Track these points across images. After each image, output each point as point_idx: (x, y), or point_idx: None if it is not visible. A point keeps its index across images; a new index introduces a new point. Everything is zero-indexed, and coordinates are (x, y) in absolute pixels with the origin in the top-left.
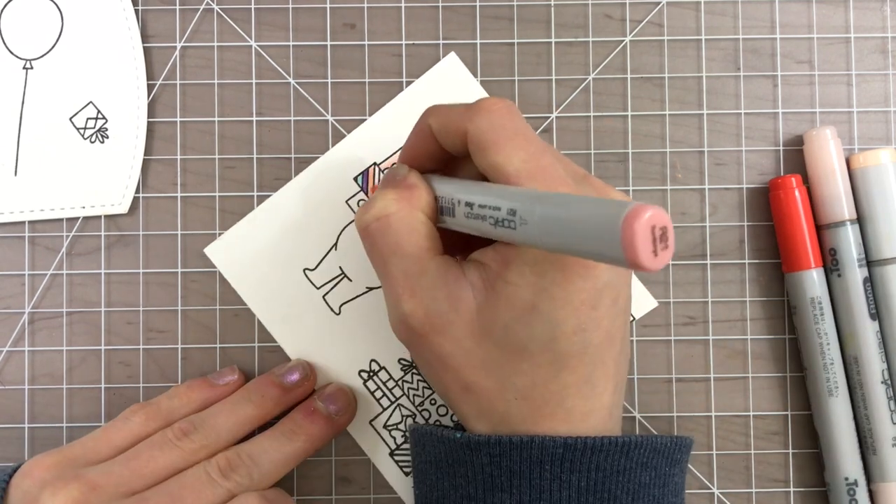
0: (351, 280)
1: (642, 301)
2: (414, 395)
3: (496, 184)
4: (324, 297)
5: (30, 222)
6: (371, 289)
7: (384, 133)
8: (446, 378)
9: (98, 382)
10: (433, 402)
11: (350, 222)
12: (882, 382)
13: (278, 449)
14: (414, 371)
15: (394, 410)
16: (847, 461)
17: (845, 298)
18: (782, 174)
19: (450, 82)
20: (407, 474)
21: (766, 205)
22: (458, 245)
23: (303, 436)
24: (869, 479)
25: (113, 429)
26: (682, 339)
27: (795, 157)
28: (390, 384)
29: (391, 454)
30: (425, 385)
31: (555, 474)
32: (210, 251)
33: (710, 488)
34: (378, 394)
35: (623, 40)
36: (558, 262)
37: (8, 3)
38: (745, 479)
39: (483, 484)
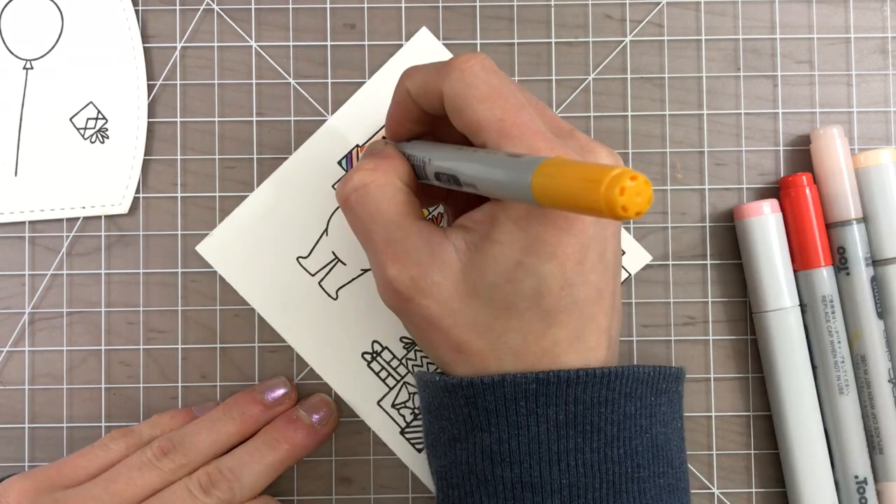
0: (345, 264)
1: (637, 256)
2: (419, 371)
3: (479, 149)
4: (319, 283)
5: (30, 222)
6: (366, 270)
7: (363, 115)
8: (436, 340)
9: (98, 382)
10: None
11: (339, 207)
12: (889, 381)
13: (260, 460)
14: (417, 348)
15: (400, 389)
16: (857, 459)
17: (854, 297)
18: (782, 174)
19: (424, 58)
20: (419, 451)
21: None
22: (439, 198)
23: (285, 444)
24: (874, 478)
25: (90, 455)
26: (682, 339)
27: (795, 156)
28: (394, 363)
29: (402, 432)
30: (429, 361)
31: (531, 409)
32: (202, 249)
33: (710, 488)
34: (383, 374)
35: (623, 40)
36: (543, 218)
37: (8, 3)
38: (745, 479)
39: (464, 424)
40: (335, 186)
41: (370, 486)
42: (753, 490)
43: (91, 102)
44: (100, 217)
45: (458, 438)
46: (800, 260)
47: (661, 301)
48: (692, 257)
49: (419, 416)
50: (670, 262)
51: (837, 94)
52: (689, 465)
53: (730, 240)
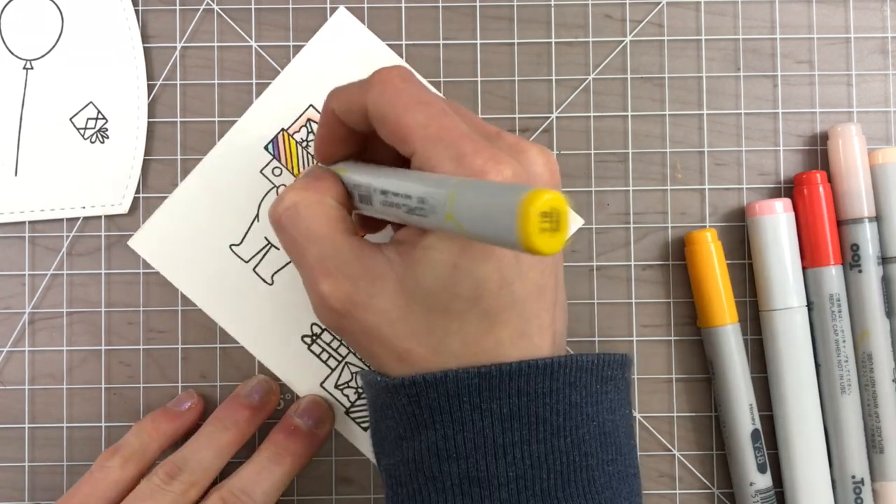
0: (278, 249)
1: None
2: None
3: (408, 170)
4: (254, 269)
5: (30, 222)
6: None
7: (286, 99)
8: (378, 351)
9: (98, 382)
10: None
11: (269, 191)
12: (893, 380)
13: (268, 477)
14: None
15: (342, 369)
16: (855, 459)
17: (864, 295)
18: (782, 175)
19: (345, 39)
20: (365, 429)
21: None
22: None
23: (288, 457)
24: (872, 477)
25: (92, 481)
26: (682, 338)
27: (796, 156)
28: (334, 344)
29: (347, 412)
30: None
31: (474, 404)
32: (134, 243)
33: (710, 488)
34: (324, 356)
35: (623, 40)
36: None
37: (8, 3)
38: None
39: (409, 423)
40: (265, 172)
41: (370, 486)
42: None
43: (91, 102)
44: (100, 217)
45: (404, 437)
46: (810, 257)
47: (661, 301)
48: None
49: (363, 396)
50: (670, 262)
51: (837, 94)
52: (690, 465)
53: (729, 240)
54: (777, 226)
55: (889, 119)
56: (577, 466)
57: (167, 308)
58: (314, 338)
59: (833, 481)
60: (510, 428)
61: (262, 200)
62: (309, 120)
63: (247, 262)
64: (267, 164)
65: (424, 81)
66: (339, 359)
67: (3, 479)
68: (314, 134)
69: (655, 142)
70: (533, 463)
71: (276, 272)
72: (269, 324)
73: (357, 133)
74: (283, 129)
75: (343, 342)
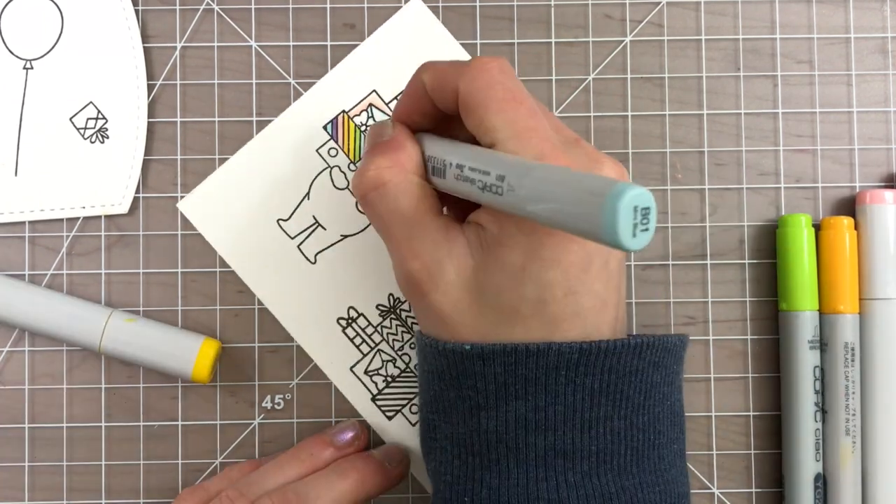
0: (325, 229)
1: None
2: (393, 339)
3: (487, 149)
4: (298, 246)
5: (30, 222)
6: (346, 236)
7: (350, 81)
8: (444, 334)
9: (98, 382)
10: (412, 346)
11: (322, 171)
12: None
13: (328, 486)
14: (392, 316)
15: (374, 356)
16: None
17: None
18: (783, 176)
19: (416, 29)
20: (390, 419)
21: (765, 205)
22: (451, 201)
23: (354, 473)
24: None
25: None
26: None
27: (795, 156)
28: (369, 330)
29: (373, 399)
30: (404, 329)
31: (570, 378)
32: (183, 206)
33: (710, 488)
34: (357, 340)
35: (623, 40)
36: None
37: (8, 3)
38: (745, 479)
39: (495, 393)
40: (320, 151)
41: None
42: (753, 490)
43: (91, 102)
44: (100, 217)
45: (483, 407)
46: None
47: (661, 301)
48: (692, 257)
49: (391, 384)
50: (670, 262)
51: (837, 94)
52: (690, 465)
53: (730, 239)
54: (885, 215)
55: (889, 119)
56: (650, 444)
57: (167, 308)
58: (350, 321)
59: None
60: (598, 403)
61: (314, 179)
62: (371, 105)
63: (292, 238)
64: (323, 144)
65: None
66: (372, 345)
67: (3, 479)
68: (374, 120)
69: (655, 142)
70: (613, 438)
71: (320, 251)
72: (307, 302)
73: (438, 110)
74: (343, 111)
75: (409, 318)
